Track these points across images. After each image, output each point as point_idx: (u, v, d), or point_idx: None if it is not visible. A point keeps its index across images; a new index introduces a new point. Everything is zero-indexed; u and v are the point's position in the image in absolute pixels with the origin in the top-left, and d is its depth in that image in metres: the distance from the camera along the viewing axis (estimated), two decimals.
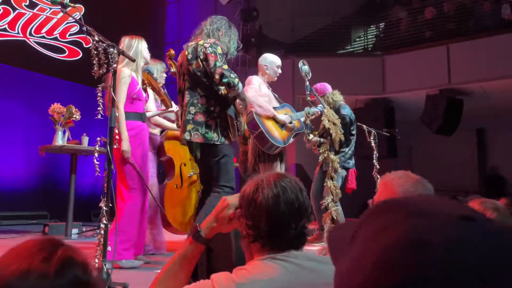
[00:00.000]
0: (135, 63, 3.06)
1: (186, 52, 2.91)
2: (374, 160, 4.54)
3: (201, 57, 2.82)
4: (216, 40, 2.91)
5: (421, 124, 7.49)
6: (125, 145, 2.98)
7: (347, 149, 4.30)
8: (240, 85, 2.85)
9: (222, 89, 2.87)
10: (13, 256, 0.58)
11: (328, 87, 4.48)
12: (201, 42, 2.88)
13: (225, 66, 2.79)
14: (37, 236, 0.63)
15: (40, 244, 0.61)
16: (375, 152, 4.56)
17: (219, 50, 2.83)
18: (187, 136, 2.82)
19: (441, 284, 0.34)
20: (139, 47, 3.19)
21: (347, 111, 4.38)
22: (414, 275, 0.35)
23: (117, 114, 2.65)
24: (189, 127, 2.82)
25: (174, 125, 3.82)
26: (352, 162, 4.47)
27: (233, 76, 2.78)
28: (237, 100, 2.95)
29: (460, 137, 7.86)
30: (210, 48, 2.81)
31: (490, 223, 0.40)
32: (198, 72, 2.85)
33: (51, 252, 0.59)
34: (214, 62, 2.77)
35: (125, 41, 3.20)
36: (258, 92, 3.53)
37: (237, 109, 2.96)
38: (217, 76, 2.75)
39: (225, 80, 2.74)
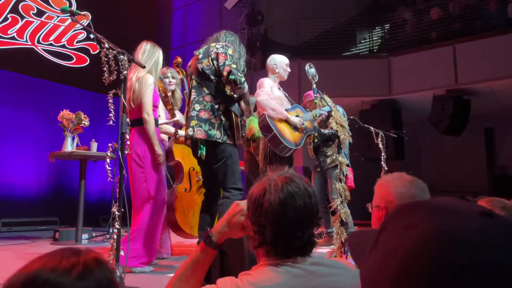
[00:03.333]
0: (155, 70, 3.11)
1: (197, 53, 3.00)
2: (382, 162, 4.52)
3: (212, 56, 2.90)
4: (227, 44, 2.98)
5: (429, 125, 7.46)
6: (159, 150, 3.04)
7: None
8: (246, 85, 2.89)
9: (228, 90, 2.91)
10: (43, 256, 0.62)
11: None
12: (213, 44, 2.98)
13: (234, 66, 2.85)
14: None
15: (70, 248, 0.64)
16: (383, 154, 4.55)
17: (230, 51, 2.90)
18: (190, 131, 2.85)
19: (472, 270, 0.36)
20: (159, 56, 3.24)
21: (340, 108, 4.36)
22: (446, 263, 0.37)
23: (128, 119, 2.69)
24: (193, 123, 2.85)
25: (182, 132, 3.84)
26: (348, 161, 4.45)
27: (240, 75, 2.84)
28: (241, 102, 2.98)
29: (468, 137, 7.82)
30: (221, 49, 2.90)
31: (505, 218, 0.42)
32: (207, 69, 2.91)
33: (79, 253, 0.62)
34: (224, 61, 2.84)
35: (147, 47, 3.20)
36: (270, 95, 3.55)
37: (242, 108, 2.98)
38: (225, 73, 2.82)
39: (232, 77, 2.80)
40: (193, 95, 2.92)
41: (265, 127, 3.40)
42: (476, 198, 2.54)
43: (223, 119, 2.86)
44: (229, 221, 1.17)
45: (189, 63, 3.14)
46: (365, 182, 4.68)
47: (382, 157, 4.54)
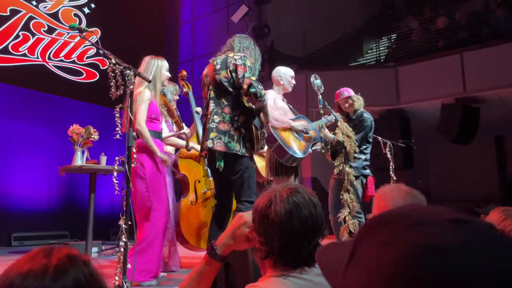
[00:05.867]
0: (154, 85, 3.13)
1: (215, 63, 2.95)
2: (391, 172, 4.50)
3: (231, 68, 2.85)
4: (245, 55, 2.94)
5: (438, 134, 7.41)
6: (160, 155, 3.08)
7: (363, 156, 4.17)
8: (266, 98, 2.86)
9: (245, 101, 2.90)
10: (18, 261, 0.62)
11: (350, 90, 4.41)
12: (231, 55, 2.92)
13: (254, 78, 2.82)
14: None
15: (41, 249, 0.64)
16: (391, 164, 4.53)
17: (248, 63, 2.87)
18: (209, 144, 2.80)
19: (462, 285, 0.36)
20: (159, 67, 3.24)
21: (370, 115, 4.29)
22: (433, 283, 0.36)
23: (135, 132, 2.73)
24: (212, 135, 2.81)
25: (192, 144, 3.87)
26: (368, 170, 4.39)
27: (261, 88, 2.80)
28: (261, 114, 2.95)
29: (478, 146, 7.75)
30: (240, 60, 2.86)
31: (475, 222, 0.41)
32: (225, 82, 2.87)
33: (50, 254, 0.62)
34: (243, 73, 2.80)
35: (145, 61, 3.25)
36: (272, 106, 3.56)
37: (261, 120, 2.96)
38: (245, 86, 2.78)
39: (252, 90, 2.76)
40: (211, 106, 2.88)
41: (269, 137, 3.40)
42: (485, 209, 2.51)
43: (242, 131, 2.84)
44: (233, 233, 1.17)
45: (204, 72, 3.07)
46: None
47: (391, 167, 4.51)
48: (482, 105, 7.23)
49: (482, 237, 0.39)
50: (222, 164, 2.82)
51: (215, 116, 2.84)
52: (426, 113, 7.83)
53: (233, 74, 2.84)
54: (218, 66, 2.91)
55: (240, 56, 2.89)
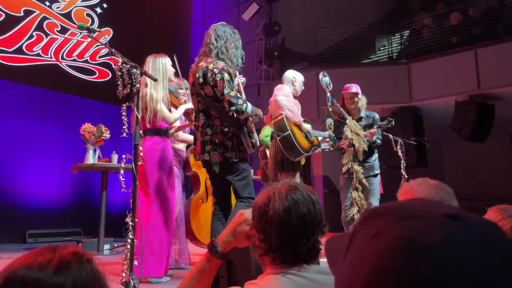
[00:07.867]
0: (161, 83, 3.15)
1: (197, 75, 2.96)
2: (402, 170, 4.45)
3: (211, 83, 2.88)
4: (224, 64, 2.92)
5: (452, 131, 7.30)
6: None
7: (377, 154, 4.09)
8: (249, 108, 2.89)
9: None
10: (24, 255, 0.65)
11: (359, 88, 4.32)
12: (210, 67, 2.90)
13: (233, 93, 2.84)
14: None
15: (48, 245, 0.67)
16: (402, 162, 4.48)
17: (226, 77, 2.87)
18: (206, 157, 2.89)
19: (438, 281, 0.36)
20: (165, 65, 3.26)
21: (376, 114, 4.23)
22: (411, 276, 0.36)
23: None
24: (208, 148, 2.89)
25: None
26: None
27: (241, 102, 2.84)
28: (250, 119, 2.99)
29: (493, 143, 7.61)
30: (219, 75, 2.86)
31: (473, 219, 0.40)
32: (209, 97, 2.92)
33: (55, 249, 0.64)
34: (222, 90, 2.84)
35: (151, 61, 3.27)
36: (288, 97, 3.55)
37: (249, 128, 3.00)
38: (225, 104, 2.85)
39: (233, 108, 2.83)
40: (202, 119, 2.95)
41: (280, 126, 3.37)
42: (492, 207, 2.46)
43: (234, 140, 2.92)
44: (234, 230, 1.18)
45: (190, 79, 3.09)
46: (385, 189, 4.61)
47: (402, 165, 4.46)
48: (497, 102, 7.10)
49: (470, 235, 0.38)
50: (217, 169, 2.90)
51: (207, 129, 2.91)
52: (439, 110, 7.72)
53: (215, 89, 2.88)
54: (200, 80, 2.93)
55: (219, 69, 2.87)
